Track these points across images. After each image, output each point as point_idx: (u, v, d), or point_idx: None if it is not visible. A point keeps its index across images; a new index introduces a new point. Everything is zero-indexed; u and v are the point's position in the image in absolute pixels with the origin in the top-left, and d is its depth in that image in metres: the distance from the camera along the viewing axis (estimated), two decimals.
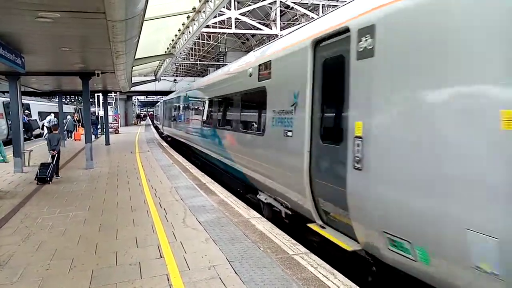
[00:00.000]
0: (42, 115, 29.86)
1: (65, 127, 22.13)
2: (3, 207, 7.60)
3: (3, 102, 23.57)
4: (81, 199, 8.21)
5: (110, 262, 4.74)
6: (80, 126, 30.10)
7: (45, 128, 25.96)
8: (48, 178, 10.05)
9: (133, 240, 5.55)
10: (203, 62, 53.73)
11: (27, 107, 26.63)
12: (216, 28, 31.45)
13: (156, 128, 43.88)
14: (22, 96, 15.02)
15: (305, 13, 29.71)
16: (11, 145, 12.51)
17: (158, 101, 58.53)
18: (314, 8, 29.86)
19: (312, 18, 28.03)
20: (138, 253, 5.04)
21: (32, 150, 14.48)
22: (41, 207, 7.55)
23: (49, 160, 10.63)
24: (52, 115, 25.15)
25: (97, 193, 8.86)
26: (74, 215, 6.94)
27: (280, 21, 31.20)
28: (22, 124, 13.52)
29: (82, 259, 4.85)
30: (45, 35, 7.47)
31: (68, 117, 25.94)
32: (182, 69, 72.08)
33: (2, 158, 9.76)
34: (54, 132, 11.91)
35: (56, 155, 10.82)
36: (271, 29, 30.32)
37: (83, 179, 10.67)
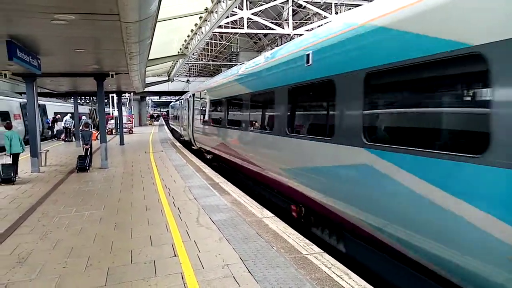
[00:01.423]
0: (56, 115, 30.31)
1: (80, 127, 22.41)
2: (21, 206, 7.75)
3: (20, 103, 24.01)
4: (96, 198, 8.33)
5: (125, 260, 4.79)
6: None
7: (59, 127, 26.42)
8: (87, 167, 12.34)
9: (147, 238, 5.61)
10: (215, 62, 53.92)
11: (43, 108, 27.07)
12: (228, 28, 31.48)
13: (172, 131, 37.85)
14: (38, 97, 15.31)
15: (317, 12, 29.54)
16: (28, 145, 12.73)
17: (171, 101, 58.16)
18: (327, 7, 29.66)
19: (325, 17, 27.90)
20: (153, 251, 5.09)
21: (48, 150, 14.74)
22: (58, 206, 7.67)
23: (83, 153, 12.89)
24: (69, 115, 25.53)
25: (112, 192, 8.98)
26: (89, 214, 7.05)
27: (293, 20, 31.10)
28: (39, 124, 13.76)
29: (98, 257, 4.92)
30: (60, 37, 7.59)
31: (83, 117, 26.29)
32: (195, 69, 72.41)
33: (22, 147, 10.88)
34: (85, 129, 14.12)
35: (89, 148, 13.15)
36: (284, 28, 30.24)
37: (98, 179, 10.82)
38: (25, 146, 11.26)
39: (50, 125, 27.67)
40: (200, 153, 17.83)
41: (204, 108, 15.93)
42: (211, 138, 14.06)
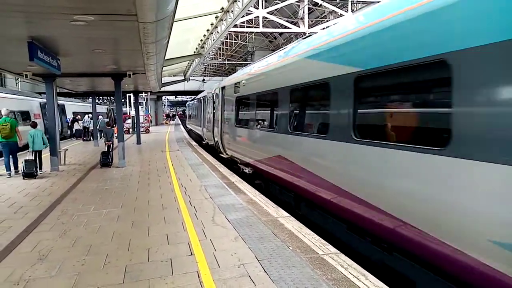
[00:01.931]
0: (76, 115, 30.88)
1: (98, 127, 22.80)
2: (41, 203, 7.92)
3: (40, 103, 24.53)
4: (114, 197, 8.45)
5: (142, 258, 4.85)
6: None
7: (80, 125, 26.91)
8: (110, 163, 13.21)
9: (164, 237, 5.66)
10: (231, 62, 54.11)
11: (62, 107, 27.60)
12: (244, 27, 31.56)
13: (190, 132, 34.48)
14: (58, 97, 15.66)
15: (333, 10, 29.33)
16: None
17: (187, 101, 57.56)
18: (343, 5, 29.42)
19: (341, 15, 27.66)
20: (169, 250, 5.14)
21: (67, 149, 15.03)
22: (77, 204, 7.81)
23: (106, 149, 14.09)
24: (87, 116, 26.05)
25: (129, 191, 9.09)
26: (107, 212, 7.15)
27: (308, 19, 30.96)
28: (58, 124, 14.06)
29: (116, 255, 4.98)
30: (79, 38, 7.72)
31: (100, 117, 26.72)
32: (210, 69, 72.78)
33: (45, 144, 11.71)
34: (107, 127, 15.17)
35: (111, 145, 14.32)
36: (299, 27, 30.12)
37: (115, 178, 10.97)
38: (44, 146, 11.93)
39: (70, 124, 28.20)
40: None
41: (242, 105, 11.78)
42: (254, 146, 10.12)
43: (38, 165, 11.45)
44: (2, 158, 11.99)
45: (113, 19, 6.31)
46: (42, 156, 12.01)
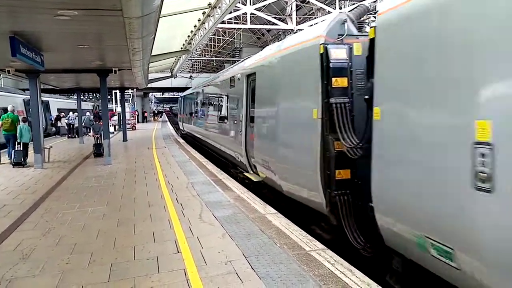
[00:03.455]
0: (61, 111, 30.43)
1: (83, 123, 22.54)
2: (25, 202, 7.77)
3: (23, 100, 24.09)
4: (99, 195, 8.34)
5: (128, 257, 4.79)
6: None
7: (63, 123, 26.57)
8: (103, 153, 13.74)
9: (150, 235, 5.61)
10: (218, 58, 53.90)
11: (46, 104, 27.17)
12: (232, 23, 31.43)
13: (186, 137, 25.20)
14: (42, 94, 15.44)
15: (321, 7, 29.43)
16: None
17: (174, 97, 55.99)
18: (331, 2, 29.54)
19: (329, 12, 27.75)
20: (156, 247, 5.09)
21: (51, 147, 14.80)
22: (61, 202, 7.69)
23: (95, 142, 15.33)
24: (71, 113, 25.75)
25: (115, 188, 8.99)
26: (92, 210, 7.06)
27: (296, 15, 31.00)
28: (42, 121, 13.88)
29: (101, 254, 4.92)
30: (63, 33, 7.59)
31: (87, 113, 26.39)
32: (198, 65, 72.39)
33: (30, 138, 12.84)
34: (96, 123, 17.62)
35: (99, 137, 15.34)
36: (287, 24, 30.13)
37: (101, 175, 10.84)
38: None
39: (53, 122, 27.78)
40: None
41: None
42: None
43: (24, 155, 12.70)
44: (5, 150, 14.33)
45: (98, 14, 6.21)
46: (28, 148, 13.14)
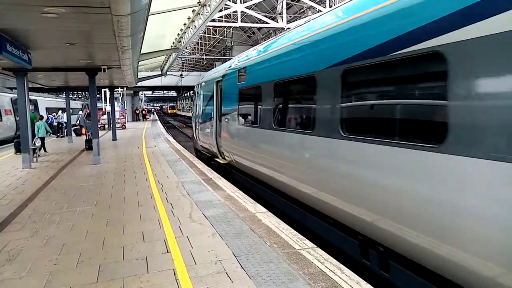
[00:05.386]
0: (50, 111, 30.09)
1: (77, 122, 22.45)
2: (12, 202, 7.67)
3: (11, 99, 23.77)
4: (88, 195, 8.26)
5: (117, 257, 4.75)
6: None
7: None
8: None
9: (140, 235, 5.57)
10: (209, 57, 53.71)
11: (35, 103, 26.83)
12: (222, 22, 31.32)
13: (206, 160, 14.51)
14: (30, 92, 15.32)
15: (311, 6, 29.47)
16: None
17: (164, 97, 55.05)
18: (321, 0, 29.60)
19: (319, 10, 27.80)
20: (145, 248, 5.05)
21: (41, 146, 14.61)
22: (49, 203, 7.60)
23: (86, 137, 17.65)
24: (60, 112, 25.47)
25: (104, 188, 8.91)
26: (81, 211, 6.98)
27: (287, 14, 31.00)
28: (30, 120, 13.69)
29: (90, 254, 4.87)
30: (51, 31, 7.49)
31: (80, 112, 26.17)
32: (188, 63, 72.10)
33: (48, 132, 16.31)
34: (87, 121, 19.37)
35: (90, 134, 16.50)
36: (278, 22, 30.12)
37: (90, 175, 10.74)
38: (47, 134, 16.22)
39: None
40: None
41: None
42: None
43: (42, 148, 15.62)
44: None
45: (86, 12, 6.14)
46: (45, 141, 15.74)
